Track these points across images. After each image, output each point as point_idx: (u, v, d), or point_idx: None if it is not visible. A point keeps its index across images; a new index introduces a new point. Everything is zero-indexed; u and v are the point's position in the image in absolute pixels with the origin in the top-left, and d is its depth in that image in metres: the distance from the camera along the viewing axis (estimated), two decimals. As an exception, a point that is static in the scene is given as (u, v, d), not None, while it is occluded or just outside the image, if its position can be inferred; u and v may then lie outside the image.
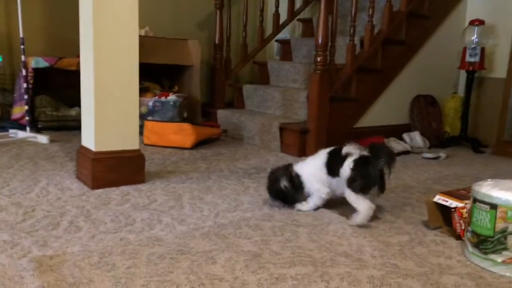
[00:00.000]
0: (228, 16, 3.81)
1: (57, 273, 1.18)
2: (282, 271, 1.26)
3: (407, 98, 3.55)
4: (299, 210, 1.78)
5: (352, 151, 1.66)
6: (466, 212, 1.50)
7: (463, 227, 1.51)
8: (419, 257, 1.42)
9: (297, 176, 1.78)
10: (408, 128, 3.52)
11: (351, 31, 2.97)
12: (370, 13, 3.03)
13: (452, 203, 1.57)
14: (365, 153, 1.64)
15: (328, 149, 1.78)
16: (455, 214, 1.54)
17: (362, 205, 1.61)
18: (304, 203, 1.80)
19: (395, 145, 3.09)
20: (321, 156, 1.77)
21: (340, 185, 1.70)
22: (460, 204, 1.54)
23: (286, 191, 1.77)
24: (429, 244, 1.53)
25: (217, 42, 3.71)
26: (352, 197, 1.63)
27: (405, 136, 3.35)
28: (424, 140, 3.36)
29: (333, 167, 1.71)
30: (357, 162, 1.62)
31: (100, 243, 1.39)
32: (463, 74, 3.67)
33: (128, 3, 1.91)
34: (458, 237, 1.55)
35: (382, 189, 1.68)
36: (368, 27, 3.04)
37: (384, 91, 3.33)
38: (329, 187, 1.75)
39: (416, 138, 3.34)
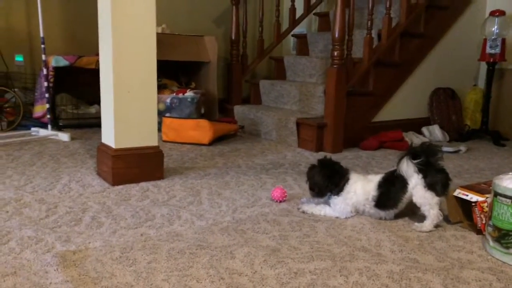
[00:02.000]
0: (244, 12, 3.81)
1: (80, 268, 1.21)
2: (301, 266, 1.27)
3: (426, 91, 3.50)
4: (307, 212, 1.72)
5: (406, 168, 1.58)
6: (487, 206, 1.48)
7: (484, 222, 1.49)
8: (439, 251, 1.40)
9: (344, 180, 1.68)
10: (427, 122, 3.47)
11: (369, 24, 2.94)
12: (388, 5, 2.99)
13: (472, 197, 1.55)
14: (416, 160, 1.57)
15: (379, 177, 1.67)
16: (476, 208, 1.52)
17: (435, 210, 1.56)
18: (327, 207, 1.70)
19: (414, 139, 3.06)
20: (372, 186, 1.65)
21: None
22: (481, 198, 1.52)
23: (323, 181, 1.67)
24: (449, 238, 1.51)
25: (233, 38, 3.71)
26: (433, 201, 1.56)
27: (424, 129, 3.31)
28: (443, 133, 3.31)
29: (388, 199, 1.63)
30: (424, 169, 1.56)
31: (121, 238, 1.42)
32: (483, 66, 3.61)
33: (146, 1, 1.93)
34: (479, 231, 1.53)
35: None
36: (385, 20, 3.01)
37: (402, 85, 3.29)
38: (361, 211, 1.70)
39: (435, 131, 3.30)
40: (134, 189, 1.92)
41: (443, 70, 3.54)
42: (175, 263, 1.26)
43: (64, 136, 2.87)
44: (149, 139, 2.05)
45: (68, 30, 3.55)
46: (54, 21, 3.47)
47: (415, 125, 3.35)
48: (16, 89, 3.19)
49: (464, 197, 1.58)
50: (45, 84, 2.98)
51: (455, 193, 1.61)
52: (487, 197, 1.50)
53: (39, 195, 1.80)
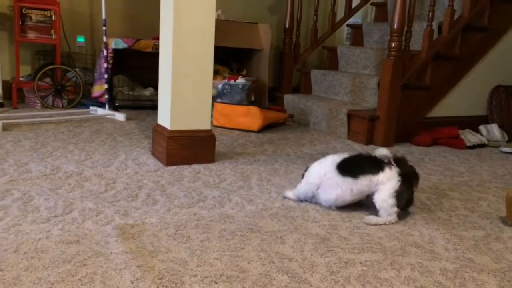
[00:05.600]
0: (300, 0, 3.77)
1: (138, 241, 1.26)
2: (351, 256, 1.26)
3: (486, 88, 3.35)
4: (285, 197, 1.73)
5: (386, 157, 1.58)
6: (551, 210, 1.41)
7: (546, 226, 1.43)
8: (495, 253, 1.36)
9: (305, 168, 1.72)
10: (485, 120, 3.33)
11: (430, 15, 2.84)
12: (451, -3, 2.87)
13: (535, 200, 1.48)
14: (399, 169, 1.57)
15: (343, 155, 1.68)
16: (538, 212, 1.46)
17: (391, 216, 1.53)
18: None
19: (470, 137, 2.95)
20: (336, 158, 1.65)
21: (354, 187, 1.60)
22: (544, 202, 1.46)
23: None
24: (507, 240, 1.46)
25: (287, 26, 3.70)
26: (393, 210, 1.53)
27: (482, 128, 3.18)
28: (502, 133, 3.17)
29: (356, 168, 1.60)
30: (404, 178, 1.55)
31: (175, 216, 1.47)
32: (551, 64, 3.40)
33: (206, -14, 1.96)
34: (540, 236, 1.47)
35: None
36: (448, 12, 2.89)
37: (461, 80, 3.17)
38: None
39: (493, 130, 3.15)
40: (186, 170, 1.97)
41: (506, 66, 3.37)
42: (227, 243, 1.29)
43: (120, 116, 2.98)
44: (203, 122, 2.09)
45: (127, 13, 3.66)
46: (115, 3, 3.58)
47: (472, 123, 3.22)
48: (77, 69, 3.33)
49: (526, 199, 1.51)
50: (105, 65, 3.10)
51: (516, 195, 1.55)
52: (551, 201, 1.43)
53: (98, 170, 1.89)
